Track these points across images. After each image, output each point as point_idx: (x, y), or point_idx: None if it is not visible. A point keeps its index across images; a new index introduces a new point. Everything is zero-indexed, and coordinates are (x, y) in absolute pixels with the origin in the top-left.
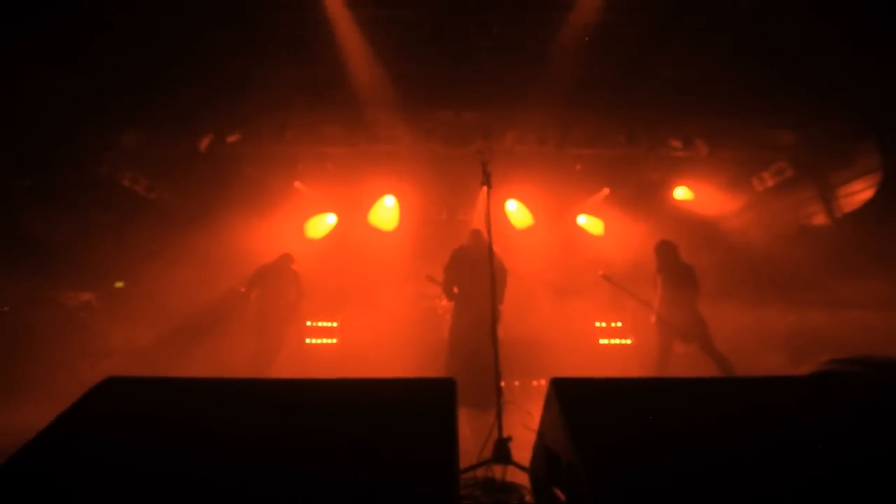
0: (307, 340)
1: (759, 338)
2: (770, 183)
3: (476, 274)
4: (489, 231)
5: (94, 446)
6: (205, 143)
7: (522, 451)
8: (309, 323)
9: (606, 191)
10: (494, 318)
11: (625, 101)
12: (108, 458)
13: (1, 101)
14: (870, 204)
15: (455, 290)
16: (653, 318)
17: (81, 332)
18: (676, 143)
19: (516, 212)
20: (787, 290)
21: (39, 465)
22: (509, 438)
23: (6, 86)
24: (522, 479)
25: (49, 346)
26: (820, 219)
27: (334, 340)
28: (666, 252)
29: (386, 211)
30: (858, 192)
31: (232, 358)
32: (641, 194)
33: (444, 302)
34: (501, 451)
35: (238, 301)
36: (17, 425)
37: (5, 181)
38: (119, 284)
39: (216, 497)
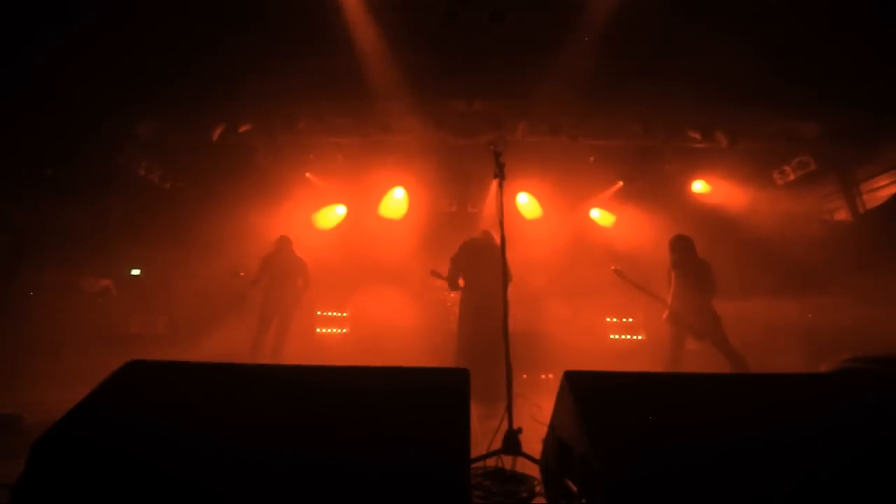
0: (317, 329)
1: (776, 335)
2: (792, 177)
3: (485, 268)
4: (502, 225)
5: (120, 424)
6: (217, 132)
7: (532, 443)
8: (319, 312)
9: (620, 183)
10: (505, 312)
11: (642, 90)
12: (134, 434)
13: (22, 94)
14: (894, 199)
15: (461, 282)
16: (665, 314)
17: (101, 317)
18: (695, 135)
19: (527, 204)
20: (806, 287)
21: (72, 440)
22: (520, 430)
23: (27, 80)
24: (532, 470)
25: (71, 329)
26: (842, 214)
27: (344, 330)
28: (681, 247)
29: (396, 202)
30: (883, 188)
31: (241, 346)
32: (657, 187)
33: (453, 294)
34: (512, 442)
35: (245, 290)
36: (41, 405)
37: (28, 171)
38: (135, 272)
39: (234, 475)
